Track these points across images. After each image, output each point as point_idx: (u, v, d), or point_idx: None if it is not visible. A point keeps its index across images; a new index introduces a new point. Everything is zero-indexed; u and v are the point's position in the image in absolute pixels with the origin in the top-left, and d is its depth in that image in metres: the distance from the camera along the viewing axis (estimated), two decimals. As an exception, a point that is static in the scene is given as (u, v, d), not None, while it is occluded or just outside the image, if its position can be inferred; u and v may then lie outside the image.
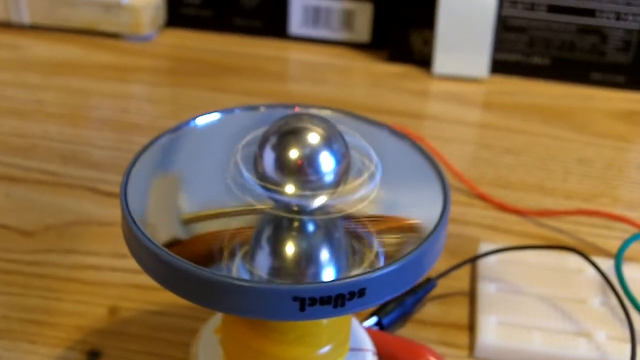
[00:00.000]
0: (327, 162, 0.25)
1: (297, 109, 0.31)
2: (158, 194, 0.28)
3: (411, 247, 0.25)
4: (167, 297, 0.35)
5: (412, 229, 0.27)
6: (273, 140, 0.26)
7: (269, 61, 0.62)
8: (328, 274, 0.26)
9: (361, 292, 0.24)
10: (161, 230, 0.26)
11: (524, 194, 0.48)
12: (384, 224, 0.27)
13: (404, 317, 0.38)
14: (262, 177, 0.26)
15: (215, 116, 0.31)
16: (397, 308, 0.37)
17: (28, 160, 0.49)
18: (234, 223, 0.27)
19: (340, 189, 0.26)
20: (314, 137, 0.25)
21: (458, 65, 0.60)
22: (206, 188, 0.28)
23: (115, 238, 0.42)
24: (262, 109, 0.32)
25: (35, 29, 0.64)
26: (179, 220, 0.27)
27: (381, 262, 0.26)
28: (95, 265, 0.41)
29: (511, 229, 0.45)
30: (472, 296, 0.40)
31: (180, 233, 0.26)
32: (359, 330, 0.33)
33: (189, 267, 0.24)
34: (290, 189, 0.25)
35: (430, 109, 0.58)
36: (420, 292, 0.38)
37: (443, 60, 0.60)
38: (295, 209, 0.26)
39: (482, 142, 0.54)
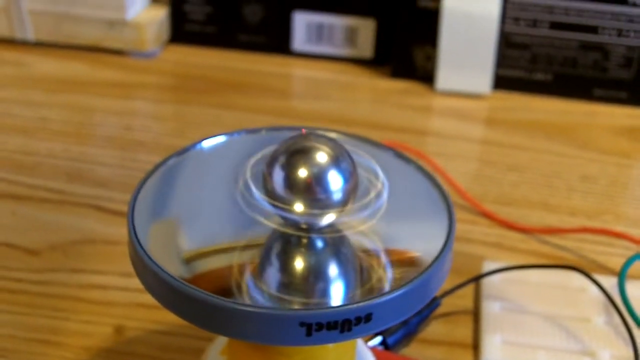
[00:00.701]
0: (335, 181, 0.26)
1: (303, 132, 0.32)
2: (160, 232, 0.28)
3: (417, 272, 0.26)
4: (173, 317, 0.34)
5: (415, 262, 0.27)
6: (282, 159, 0.26)
7: (272, 77, 0.63)
8: (337, 290, 0.26)
9: (368, 317, 0.25)
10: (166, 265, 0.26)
11: (528, 211, 0.48)
12: (390, 256, 0.28)
13: (408, 336, 0.38)
14: (271, 195, 0.26)
15: (220, 139, 0.32)
16: (401, 327, 0.37)
17: (33, 178, 0.49)
18: (243, 256, 0.27)
19: (348, 207, 0.26)
20: (322, 156, 0.26)
21: (461, 81, 0.60)
22: (209, 224, 0.28)
23: (121, 257, 0.42)
24: (264, 132, 0.32)
25: (39, 45, 0.64)
26: (181, 260, 0.27)
27: (389, 277, 0.26)
28: (101, 284, 0.41)
29: (515, 247, 0.45)
30: (476, 315, 0.40)
31: (183, 272, 0.26)
32: (364, 350, 0.33)
33: (195, 292, 0.24)
34: (299, 207, 0.26)
35: (433, 125, 0.59)
36: (425, 311, 0.38)
37: (446, 76, 0.60)
38: (304, 226, 0.26)
39: (485, 159, 0.54)
